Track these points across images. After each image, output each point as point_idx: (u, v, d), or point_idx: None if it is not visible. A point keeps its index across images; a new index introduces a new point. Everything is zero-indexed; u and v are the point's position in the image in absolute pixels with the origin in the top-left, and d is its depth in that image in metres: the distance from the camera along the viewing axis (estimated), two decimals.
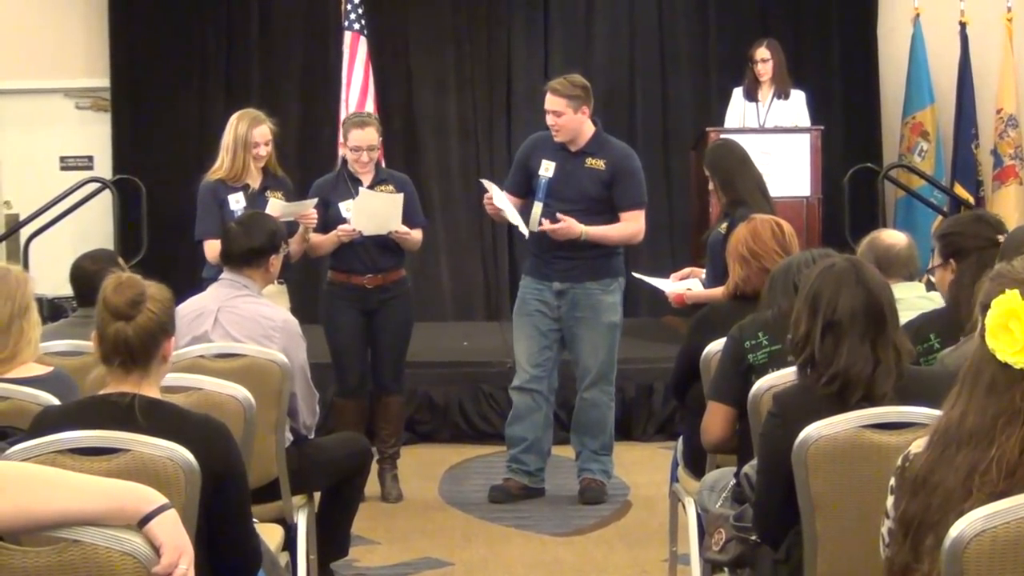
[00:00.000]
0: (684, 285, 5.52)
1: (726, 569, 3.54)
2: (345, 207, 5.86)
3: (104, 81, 9.61)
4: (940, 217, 8.71)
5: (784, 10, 9.69)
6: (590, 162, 5.83)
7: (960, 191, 9.10)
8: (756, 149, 6.68)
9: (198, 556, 2.14)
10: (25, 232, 8.34)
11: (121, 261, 4.68)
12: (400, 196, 5.84)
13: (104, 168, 9.50)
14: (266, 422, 3.99)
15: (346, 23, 8.75)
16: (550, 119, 5.84)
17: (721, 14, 9.67)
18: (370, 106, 8.57)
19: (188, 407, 3.07)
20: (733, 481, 3.60)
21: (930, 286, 4.24)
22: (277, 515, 4.08)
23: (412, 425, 7.11)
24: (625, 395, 7.09)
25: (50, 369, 3.54)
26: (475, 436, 7.23)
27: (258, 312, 4.37)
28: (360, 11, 8.74)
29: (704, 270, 5.55)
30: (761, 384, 3.44)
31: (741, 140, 6.34)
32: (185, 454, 2.71)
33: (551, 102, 5.81)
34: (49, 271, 6.98)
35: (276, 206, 5.50)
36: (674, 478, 4.63)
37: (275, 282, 4.96)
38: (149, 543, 2.07)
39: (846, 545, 2.91)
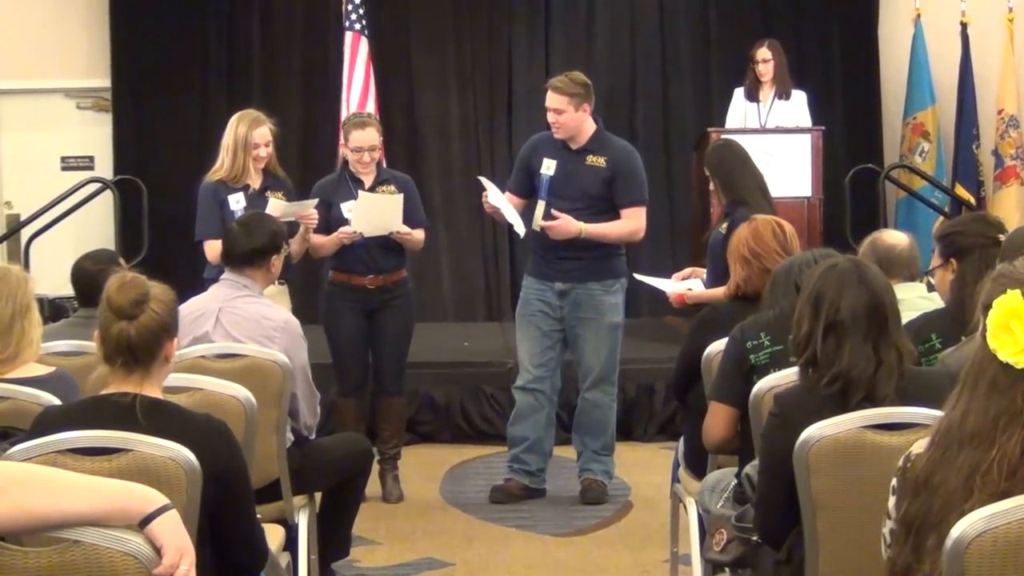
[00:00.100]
0: (685, 285, 5.52)
1: (727, 569, 3.54)
2: (347, 208, 5.86)
3: (105, 81, 9.62)
4: (941, 218, 8.71)
5: (785, 10, 9.69)
6: (591, 159, 5.83)
7: (961, 192, 9.10)
8: (757, 149, 6.68)
9: (200, 556, 2.14)
10: (26, 232, 8.34)
11: (122, 261, 4.68)
12: (400, 197, 5.84)
13: (105, 168, 9.50)
14: (267, 422, 3.99)
15: (347, 23, 8.76)
16: (551, 116, 5.84)
17: (722, 14, 9.67)
18: (371, 106, 8.57)
19: (189, 407, 3.07)
20: (734, 481, 3.60)
21: (931, 287, 4.24)
22: (278, 515, 4.08)
23: (413, 425, 7.11)
24: (626, 395, 7.09)
25: (52, 369, 3.54)
26: (476, 436, 7.23)
27: (259, 312, 4.37)
28: (361, 11, 8.74)
29: (705, 270, 5.54)
30: (762, 384, 3.44)
31: (742, 140, 6.33)
32: (186, 454, 2.71)
33: (552, 100, 5.81)
34: (50, 271, 6.98)
35: (276, 206, 5.50)
36: (675, 478, 4.62)
37: (276, 282, 4.96)
38: (150, 543, 2.07)
39: (847, 546, 2.91)
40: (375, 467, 5.41)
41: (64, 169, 9.69)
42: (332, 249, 5.90)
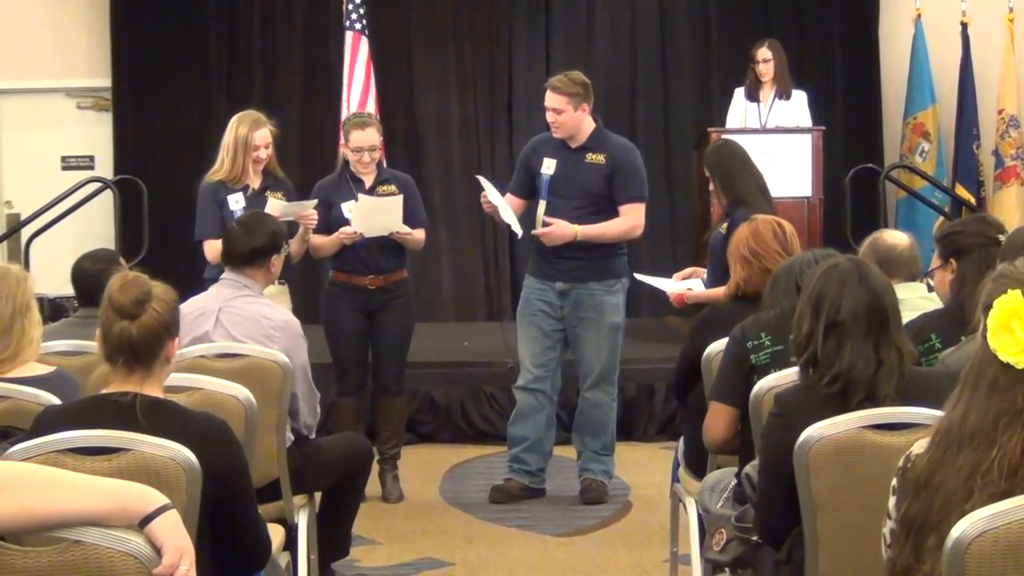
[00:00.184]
0: (685, 285, 5.52)
1: (727, 569, 3.54)
2: (347, 208, 5.86)
3: (106, 81, 9.62)
4: (941, 218, 8.71)
5: (786, 10, 9.69)
6: (591, 157, 5.84)
7: (961, 192, 9.10)
8: (757, 149, 6.68)
9: (200, 555, 2.14)
10: (26, 232, 8.34)
11: (122, 261, 4.68)
12: (400, 198, 5.84)
13: (105, 168, 9.50)
14: (267, 422, 3.99)
15: (347, 23, 8.75)
16: (550, 116, 5.84)
17: (722, 14, 9.67)
18: (371, 106, 8.57)
19: (189, 407, 3.07)
20: (734, 481, 3.60)
21: (932, 288, 4.24)
22: (278, 515, 4.08)
23: (413, 425, 7.11)
24: (626, 395, 7.09)
25: (52, 369, 3.54)
26: (476, 436, 7.23)
27: (259, 312, 4.37)
28: (361, 11, 8.74)
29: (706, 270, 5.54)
30: (763, 384, 3.44)
31: (742, 140, 6.33)
32: (186, 454, 2.71)
33: (551, 99, 5.81)
34: (50, 271, 6.98)
35: (276, 206, 5.50)
36: (675, 478, 4.62)
37: (276, 282, 4.96)
38: (150, 543, 2.07)
39: (847, 546, 2.91)
40: (375, 467, 5.41)
41: (64, 169, 9.69)
42: (332, 250, 5.90)
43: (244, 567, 3.07)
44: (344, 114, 8.21)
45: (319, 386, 4.56)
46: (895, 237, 4.56)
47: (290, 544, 4.10)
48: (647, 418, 7.31)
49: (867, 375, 2.95)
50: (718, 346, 3.99)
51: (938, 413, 2.32)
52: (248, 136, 5.69)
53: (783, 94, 8.06)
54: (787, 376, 3.36)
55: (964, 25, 9.30)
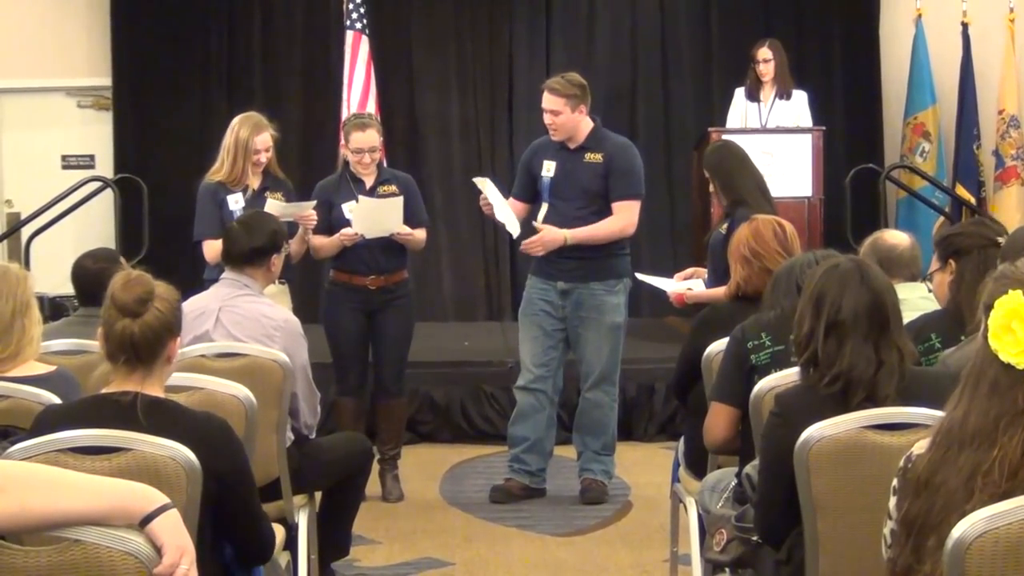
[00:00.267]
0: (685, 285, 5.52)
1: (727, 570, 3.54)
2: (348, 209, 5.86)
3: (106, 80, 9.62)
4: (941, 218, 8.71)
5: (786, 10, 9.69)
6: (589, 157, 5.84)
7: (962, 192, 9.10)
8: (758, 149, 6.69)
9: (201, 554, 2.14)
10: (26, 231, 8.34)
11: (123, 260, 4.68)
12: (400, 199, 5.84)
13: (105, 167, 9.50)
14: (267, 422, 3.99)
15: (348, 22, 8.75)
16: (547, 118, 5.84)
17: (723, 14, 9.67)
18: (371, 106, 8.57)
19: (189, 406, 3.07)
20: (734, 481, 3.60)
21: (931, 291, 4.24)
22: (278, 515, 4.07)
23: (413, 425, 7.11)
24: (626, 395, 7.09)
25: (52, 368, 3.54)
26: (476, 436, 7.23)
27: (259, 311, 4.37)
28: (362, 10, 8.73)
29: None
30: (763, 384, 3.44)
31: (743, 140, 6.34)
32: (186, 453, 2.72)
33: (549, 101, 5.81)
34: (50, 270, 6.98)
35: (275, 207, 5.49)
36: (675, 478, 4.62)
37: (276, 282, 4.96)
38: (151, 543, 2.07)
39: (848, 546, 2.91)
40: (375, 467, 5.41)
41: (64, 168, 9.69)
42: (333, 251, 5.90)
43: (248, 561, 3.09)
44: (344, 114, 8.21)
45: (319, 386, 4.56)
46: (896, 237, 4.56)
47: (290, 544, 4.10)
48: (647, 418, 7.31)
49: (868, 375, 2.95)
50: (718, 346, 3.99)
51: (939, 413, 2.32)
52: (249, 140, 5.69)
53: (783, 94, 8.06)
54: (787, 376, 3.36)
55: (965, 25, 9.29)
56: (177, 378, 3.37)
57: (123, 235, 8.56)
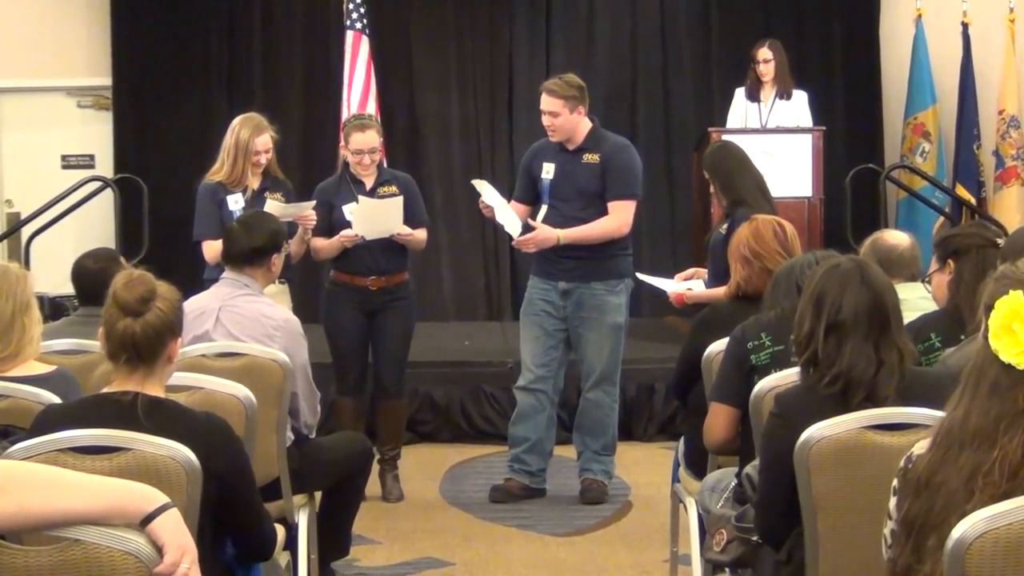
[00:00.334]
0: (685, 286, 5.52)
1: (727, 570, 3.54)
2: (348, 210, 5.86)
3: (106, 80, 9.62)
4: (942, 218, 8.71)
5: (786, 10, 9.69)
6: (587, 157, 5.84)
7: (962, 192, 9.10)
8: (758, 149, 6.69)
9: (202, 553, 2.14)
10: (26, 231, 8.33)
11: (123, 260, 4.68)
12: (399, 199, 5.83)
13: (105, 167, 9.50)
14: (267, 421, 3.99)
15: (348, 22, 8.75)
16: (546, 120, 5.84)
17: (723, 14, 9.67)
18: (371, 106, 8.57)
19: (190, 406, 3.07)
20: (735, 481, 3.60)
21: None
22: (278, 515, 4.07)
23: (413, 425, 7.11)
24: (626, 395, 7.08)
25: (53, 368, 3.54)
26: (476, 436, 7.23)
27: (259, 311, 4.37)
28: (362, 10, 8.74)
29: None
30: (763, 385, 3.44)
31: (743, 140, 6.34)
32: (187, 453, 2.72)
33: (547, 103, 5.81)
34: (50, 270, 6.98)
35: (275, 207, 5.49)
36: (675, 478, 4.62)
37: (276, 282, 4.96)
38: (152, 542, 2.07)
39: (848, 546, 2.91)
40: (375, 467, 5.41)
41: (64, 167, 9.69)
42: (333, 253, 5.90)
43: (250, 558, 3.10)
44: (344, 114, 8.22)
45: (319, 385, 4.56)
46: (896, 237, 4.57)
47: (290, 544, 4.10)
48: (647, 418, 7.31)
49: (868, 375, 2.95)
50: (718, 346, 3.99)
51: (939, 413, 2.32)
52: (249, 141, 5.69)
53: (784, 94, 8.06)
54: (787, 376, 3.36)
55: (965, 25, 9.29)
56: (177, 378, 3.37)
57: (123, 235, 8.56)
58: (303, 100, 9.61)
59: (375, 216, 5.82)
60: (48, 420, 2.92)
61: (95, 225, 9.06)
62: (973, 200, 9.08)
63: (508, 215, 5.83)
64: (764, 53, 8.05)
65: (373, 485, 5.69)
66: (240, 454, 2.97)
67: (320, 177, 6.22)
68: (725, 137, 6.99)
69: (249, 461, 3.02)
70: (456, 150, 9.71)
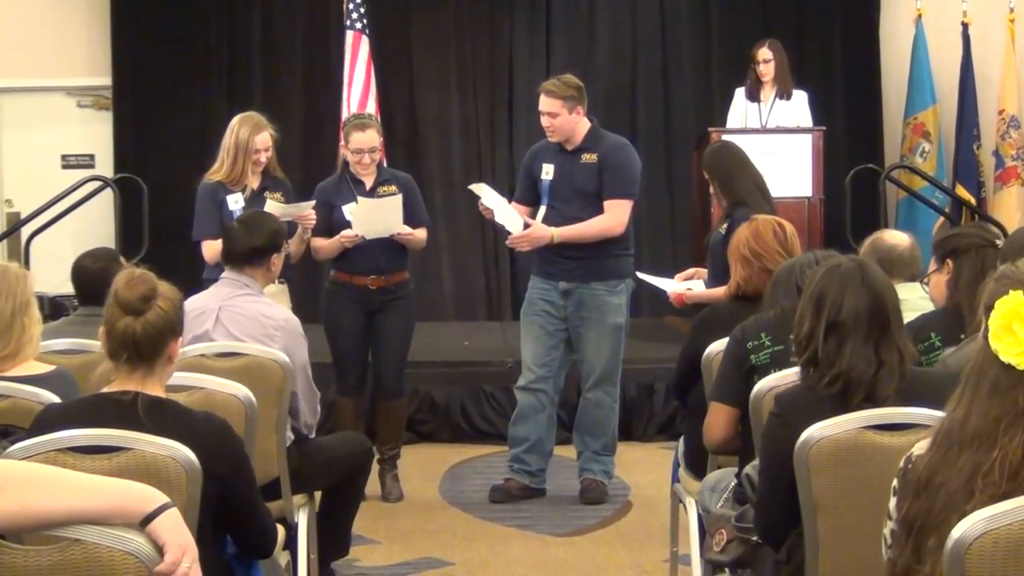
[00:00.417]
0: (685, 286, 5.52)
1: (727, 570, 3.54)
2: (348, 210, 5.86)
3: (106, 79, 9.61)
4: (941, 218, 8.71)
5: (786, 10, 9.69)
6: (585, 157, 5.84)
7: (962, 192, 9.10)
8: (758, 149, 6.69)
9: (202, 553, 2.14)
10: (26, 230, 8.33)
11: (122, 260, 4.68)
12: (399, 199, 5.83)
13: (105, 166, 9.50)
14: (267, 421, 3.99)
15: (348, 22, 8.75)
16: (545, 121, 5.84)
17: (723, 14, 9.67)
18: (371, 106, 8.57)
19: (189, 406, 3.07)
20: (734, 482, 3.60)
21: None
22: (278, 514, 4.06)
23: (413, 425, 7.11)
24: (626, 395, 7.07)
25: (52, 368, 3.54)
26: (476, 436, 7.23)
27: (259, 311, 4.37)
28: (362, 11, 8.74)
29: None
30: (763, 385, 3.44)
31: (743, 140, 6.34)
32: (187, 453, 2.72)
33: (546, 104, 5.81)
34: (50, 269, 6.98)
35: (274, 208, 5.48)
36: (675, 478, 4.62)
37: (276, 281, 4.96)
38: (152, 542, 2.07)
39: (848, 546, 2.91)
40: (375, 466, 5.41)
41: (64, 167, 9.69)
42: (333, 252, 5.90)
43: (251, 555, 3.11)
44: (344, 114, 8.22)
45: (319, 385, 4.56)
46: (895, 237, 4.57)
47: (290, 543, 4.10)
48: (647, 418, 7.31)
49: (868, 376, 2.95)
50: (718, 346, 3.99)
51: (939, 414, 2.32)
52: (249, 140, 5.69)
53: (784, 94, 8.06)
54: (787, 376, 3.36)
55: (965, 25, 9.29)
56: (177, 377, 3.37)
57: (123, 235, 8.55)
58: (303, 100, 9.61)
59: (375, 216, 5.82)
60: (48, 420, 2.92)
61: (95, 225, 9.06)
62: (973, 200, 9.08)
63: (509, 215, 5.83)
64: (764, 53, 8.05)
65: (373, 485, 5.69)
66: (240, 454, 2.97)
67: (320, 177, 6.22)
68: (725, 137, 6.99)
69: (249, 461, 3.02)
70: (456, 150, 9.70)
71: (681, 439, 4.68)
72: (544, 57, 9.69)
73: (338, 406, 6.11)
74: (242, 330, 4.30)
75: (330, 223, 5.85)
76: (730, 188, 5.37)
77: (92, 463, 2.70)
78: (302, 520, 4.27)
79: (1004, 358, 2.12)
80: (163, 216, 8.39)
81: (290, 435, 4.31)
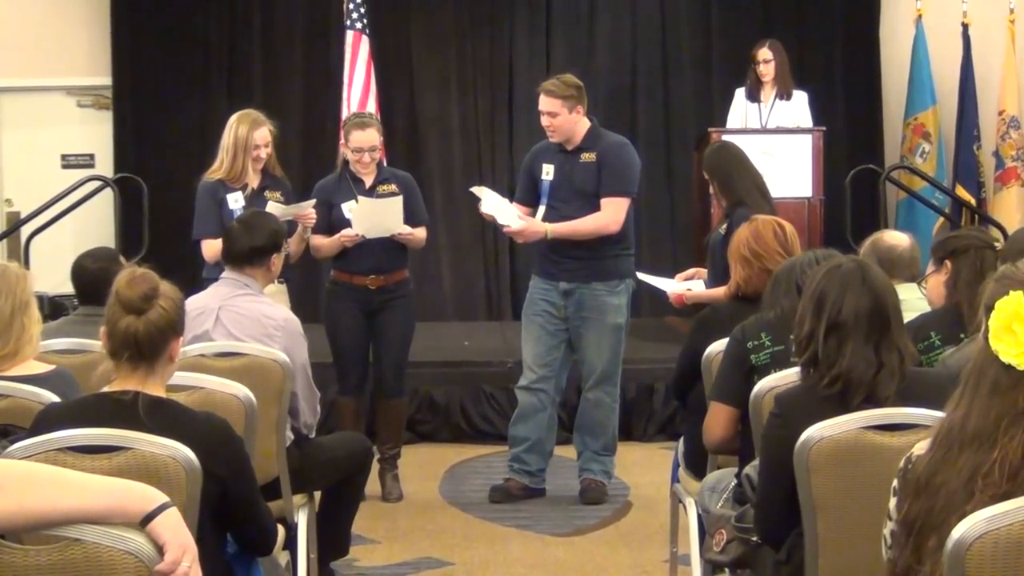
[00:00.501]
0: (685, 286, 5.52)
1: (727, 570, 3.54)
2: (348, 208, 5.86)
3: (106, 79, 9.62)
4: (941, 219, 8.71)
5: (786, 11, 9.69)
6: (585, 157, 5.85)
7: (961, 193, 9.10)
8: (758, 150, 6.69)
9: (202, 552, 2.14)
10: (26, 230, 8.33)
11: (122, 259, 4.68)
12: (399, 198, 5.83)
13: (105, 166, 9.50)
14: (267, 421, 3.99)
15: (348, 22, 8.75)
16: (545, 120, 5.84)
17: (723, 14, 9.67)
18: (372, 106, 8.57)
19: (189, 406, 3.07)
20: (734, 482, 3.60)
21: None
22: (278, 514, 4.06)
23: (413, 425, 7.11)
24: (626, 395, 7.07)
25: (52, 367, 3.54)
26: (476, 436, 7.23)
27: (259, 311, 4.37)
28: (362, 10, 8.74)
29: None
30: (763, 385, 3.44)
31: (743, 141, 6.33)
32: (186, 453, 2.72)
33: (545, 103, 5.81)
34: (50, 269, 6.98)
35: (275, 208, 5.49)
36: (675, 479, 4.62)
37: (276, 281, 4.96)
38: (152, 542, 2.07)
39: (848, 546, 2.91)
40: (375, 466, 5.41)
41: (64, 167, 9.69)
42: (333, 251, 5.90)
43: (252, 552, 3.11)
44: (344, 114, 8.21)
45: (319, 385, 4.56)
46: (895, 238, 4.57)
47: (290, 543, 4.10)
48: (647, 418, 7.31)
49: (868, 376, 2.95)
50: (718, 346, 3.99)
51: (938, 414, 2.32)
52: (248, 136, 5.69)
53: (784, 94, 8.06)
54: (787, 376, 3.36)
55: (965, 26, 9.30)
56: (177, 377, 3.37)
57: (123, 234, 8.56)
58: (303, 100, 9.61)
59: (375, 215, 5.82)
60: (48, 419, 2.92)
61: (95, 225, 9.05)
62: (973, 201, 9.09)
63: (510, 216, 5.83)
64: (764, 53, 8.05)
65: (373, 485, 5.69)
66: (240, 454, 2.97)
67: (320, 177, 6.21)
68: (725, 137, 6.99)
69: (249, 460, 3.02)
70: (456, 150, 9.71)
71: (681, 439, 4.68)
72: (544, 57, 9.69)
73: (338, 406, 6.11)
74: (242, 330, 4.30)
75: (330, 221, 5.85)
76: (730, 188, 5.37)
77: (92, 463, 2.70)
78: (302, 520, 4.27)
79: (1004, 358, 2.12)
80: (163, 216, 8.39)
81: (290, 435, 4.31)
